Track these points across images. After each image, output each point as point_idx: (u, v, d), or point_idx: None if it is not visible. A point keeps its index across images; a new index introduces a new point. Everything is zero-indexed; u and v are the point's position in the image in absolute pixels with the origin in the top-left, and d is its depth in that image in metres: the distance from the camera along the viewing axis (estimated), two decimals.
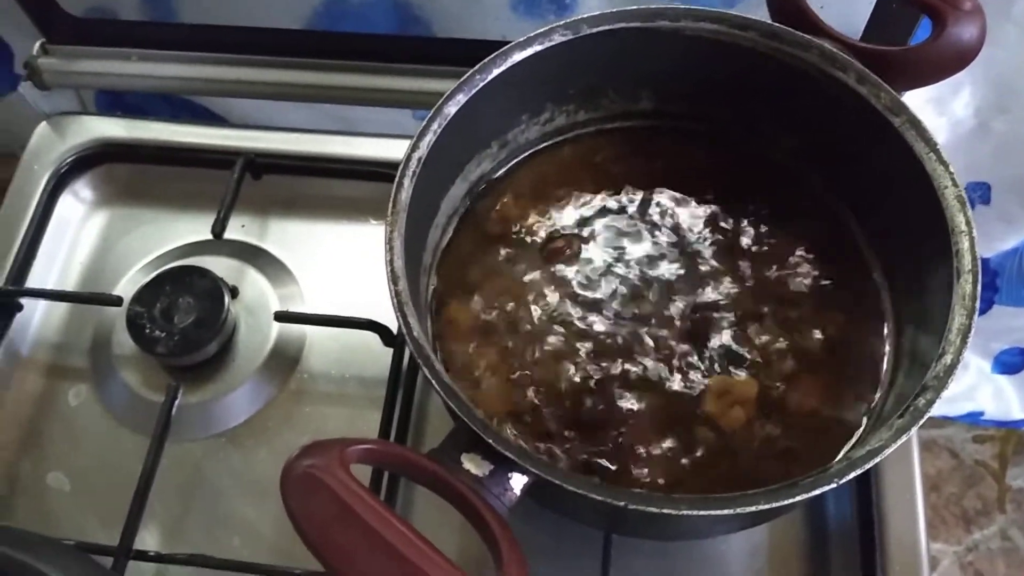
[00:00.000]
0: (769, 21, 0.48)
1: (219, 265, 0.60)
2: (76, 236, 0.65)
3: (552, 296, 0.49)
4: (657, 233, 0.51)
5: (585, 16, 0.47)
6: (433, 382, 0.38)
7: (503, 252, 0.51)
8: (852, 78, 0.45)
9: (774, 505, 0.35)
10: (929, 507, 1.24)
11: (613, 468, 0.44)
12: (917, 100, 0.82)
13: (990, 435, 1.28)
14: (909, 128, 0.44)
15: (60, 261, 0.64)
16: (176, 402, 0.55)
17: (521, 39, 0.47)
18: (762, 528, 0.52)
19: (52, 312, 0.61)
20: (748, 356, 0.46)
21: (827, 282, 0.48)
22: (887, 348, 0.46)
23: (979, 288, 0.39)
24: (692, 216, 0.51)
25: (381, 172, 0.62)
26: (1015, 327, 1.02)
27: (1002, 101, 0.80)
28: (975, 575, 1.21)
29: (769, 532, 0.52)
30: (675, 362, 0.46)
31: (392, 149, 0.63)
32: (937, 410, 0.37)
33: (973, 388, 1.12)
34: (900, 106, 0.44)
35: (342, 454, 0.34)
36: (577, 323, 0.48)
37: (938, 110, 0.83)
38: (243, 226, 0.64)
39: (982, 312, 1.00)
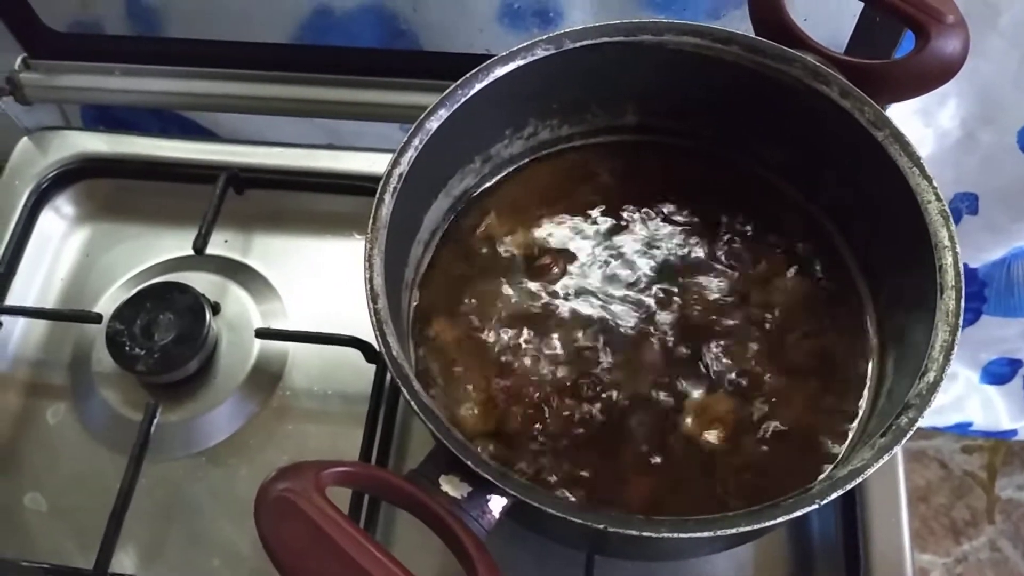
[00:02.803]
0: (752, 35, 0.48)
1: (201, 281, 0.59)
2: (57, 252, 0.64)
3: (537, 313, 0.48)
4: (642, 249, 0.50)
5: (567, 31, 0.47)
6: (411, 402, 0.37)
7: (487, 268, 0.50)
8: (835, 92, 0.45)
9: (755, 527, 0.34)
10: (918, 518, 1.24)
11: (597, 487, 0.43)
12: (903, 112, 0.82)
13: (979, 445, 1.28)
14: (892, 143, 0.43)
15: (41, 277, 0.63)
16: (155, 420, 0.55)
17: (503, 54, 0.47)
18: (748, 545, 0.51)
19: (32, 329, 0.61)
20: (730, 374, 0.46)
21: (811, 298, 0.48)
22: (871, 364, 0.46)
23: (963, 304, 0.39)
24: (676, 232, 0.51)
25: (365, 186, 0.62)
26: (1003, 337, 1.02)
27: (988, 112, 0.80)
28: None
29: (754, 549, 0.51)
30: (658, 381, 0.46)
31: (377, 163, 0.63)
32: (926, 421, 0.36)
33: (962, 399, 1.12)
34: (884, 120, 0.44)
35: (318, 477, 0.34)
36: (562, 341, 0.47)
37: (925, 121, 0.83)
38: (226, 241, 0.63)
39: (970, 322, 1.01)
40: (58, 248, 0.64)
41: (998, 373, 1.09)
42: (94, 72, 0.69)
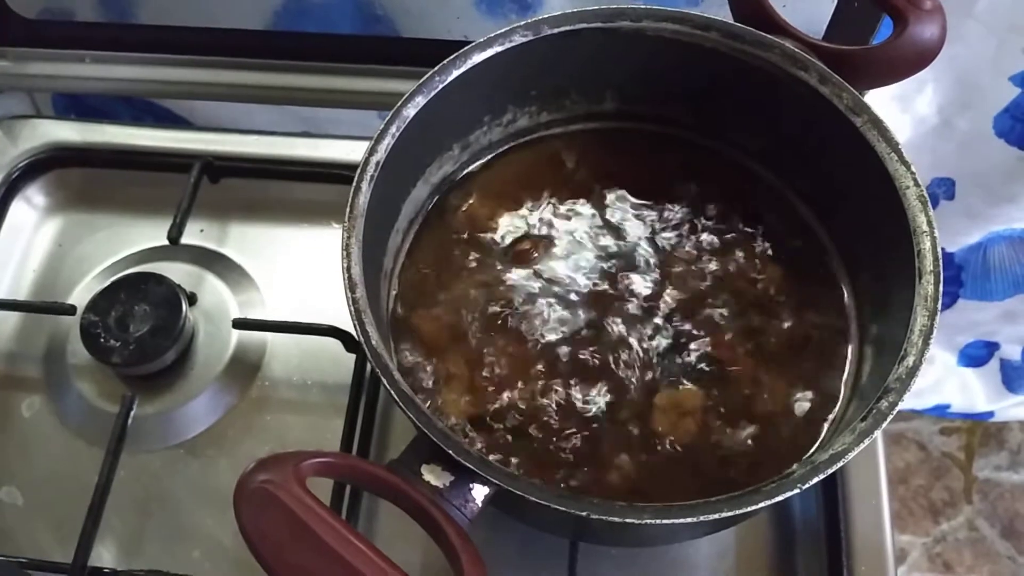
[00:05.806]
0: (731, 21, 0.48)
1: (176, 271, 0.59)
2: (29, 243, 0.63)
3: (517, 300, 0.48)
4: (620, 235, 0.50)
5: (546, 16, 0.47)
6: (392, 392, 0.37)
7: (467, 255, 0.50)
8: (814, 78, 0.45)
9: (737, 512, 0.34)
10: (897, 499, 1.25)
11: (577, 475, 0.43)
12: (881, 98, 0.82)
13: (956, 427, 1.30)
14: (871, 128, 0.43)
15: (12, 269, 0.62)
16: (132, 412, 0.54)
17: (481, 40, 0.46)
18: (730, 529, 0.51)
19: (4, 321, 0.60)
20: (709, 360, 0.46)
21: (789, 283, 0.48)
22: (850, 349, 0.46)
23: (941, 289, 0.39)
24: (655, 219, 0.51)
25: (343, 175, 0.61)
26: (979, 321, 1.04)
27: (965, 98, 0.80)
28: (943, 566, 1.22)
29: (736, 534, 0.52)
30: (636, 367, 0.46)
31: (354, 151, 0.62)
32: (905, 404, 0.37)
33: (939, 381, 1.14)
34: (862, 106, 0.44)
35: (297, 468, 0.33)
36: (541, 328, 0.47)
37: (902, 107, 0.84)
38: (202, 231, 0.62)
39: (947, 306, 1.02)
40: (30, 239, 0.63)
41: (975, 356, 1.11)
42: (65, 60, 0.68)
